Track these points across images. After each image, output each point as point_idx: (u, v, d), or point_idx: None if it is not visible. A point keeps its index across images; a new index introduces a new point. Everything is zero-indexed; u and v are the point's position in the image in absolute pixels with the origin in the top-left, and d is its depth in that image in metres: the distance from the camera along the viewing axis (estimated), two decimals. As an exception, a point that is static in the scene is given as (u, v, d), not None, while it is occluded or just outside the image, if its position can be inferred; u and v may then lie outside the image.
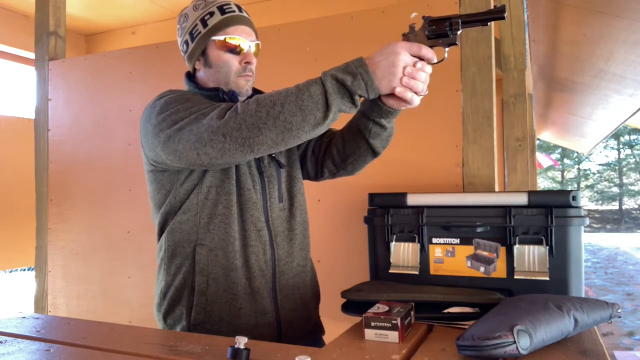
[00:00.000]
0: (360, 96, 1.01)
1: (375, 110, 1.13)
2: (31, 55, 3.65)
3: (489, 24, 1.01)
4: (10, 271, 8.60)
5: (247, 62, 1.22)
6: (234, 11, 1.23)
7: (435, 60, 1.02)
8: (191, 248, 1.18)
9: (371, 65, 1.00)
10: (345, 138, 1.27)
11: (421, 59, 1.01)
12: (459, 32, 1.00)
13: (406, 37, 1.03)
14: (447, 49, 1.03)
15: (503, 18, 0.98)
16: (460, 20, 1.00)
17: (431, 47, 1.02)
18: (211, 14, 1.21)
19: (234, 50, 1.21)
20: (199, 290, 1.17)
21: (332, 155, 1.31)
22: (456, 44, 1.02)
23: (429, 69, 1.02)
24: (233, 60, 1.22)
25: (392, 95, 1.03)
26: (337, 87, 0.99)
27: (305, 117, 0.99)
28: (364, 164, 1.31)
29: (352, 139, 1.25)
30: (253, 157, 1.10)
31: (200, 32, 1.21)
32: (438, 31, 1.01)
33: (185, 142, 1.06)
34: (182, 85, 1.30)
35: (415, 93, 1.02)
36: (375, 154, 1.26)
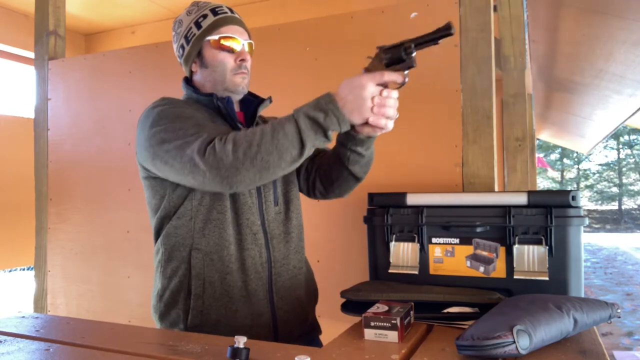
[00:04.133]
0: (334, 130, 1.04)
1: (350, 140, 1.17)
2: (31, 54, 3.65)
3: (439, 41, 1.04)
4: (10, 271, 8.59)
5: (242, 60, 1.25)
6: (226, 12, 1.27)
7: (400, 82, 1.05)
8: (187, 252, 1.19)
9: (339, 101, 1.03)
10: (330, 164, 1.29)
11: (386, 85, 1.05)
12: (413, 55, 1.05)
13: (367, 70, 1.07)
14: (406, 72, 1.06)
15: (451, 34, 1.03)
16: (412, 44, 1.04)
17: None
18: (204, 16, 1.25)
19: (229, 48, 1.24)
20: (195, 294, 1.17)
21: (321, 178, 1.34)
22: (414, 66, 1.05)
23: (395, 94, 1.06)
24: (228, 59, 1.24)
25: (366, 123, 1.07)
26: (310, 124, 1.02)
27: (281, 155, 1.02)
28: (349, 189, 1.33)
29: (334, 166, 1.27)
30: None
31: (194, 34, 1.24)
32: (394, 58, 1.05)
33: (170, 167, 1.09)
34: (180, 87, 1.31)
35: (388, 118, 1.06)
36: (357, 179, 1.28)
